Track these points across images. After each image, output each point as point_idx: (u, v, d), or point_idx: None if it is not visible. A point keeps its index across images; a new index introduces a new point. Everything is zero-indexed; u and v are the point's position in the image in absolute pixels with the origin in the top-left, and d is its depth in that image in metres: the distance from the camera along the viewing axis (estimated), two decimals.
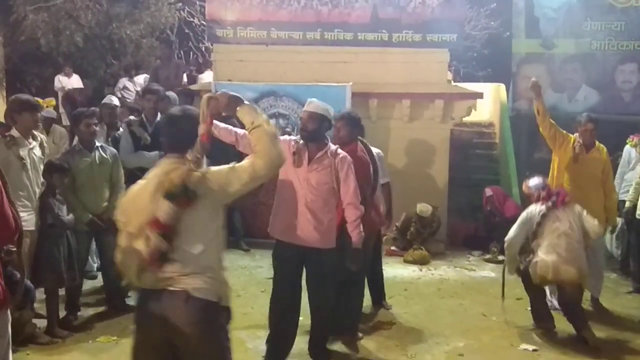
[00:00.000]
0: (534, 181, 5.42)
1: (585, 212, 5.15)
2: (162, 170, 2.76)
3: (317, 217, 4.13)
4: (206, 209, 2.74)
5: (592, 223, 5.12)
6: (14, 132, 4.85)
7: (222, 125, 3.99)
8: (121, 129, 6.23)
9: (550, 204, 5.12)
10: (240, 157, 2.99)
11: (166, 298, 2.69)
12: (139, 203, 2.74)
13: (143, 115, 6.18)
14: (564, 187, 5.63)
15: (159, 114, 6.08)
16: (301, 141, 4.24)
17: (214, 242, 2.79)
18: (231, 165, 2.78)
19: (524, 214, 5.29)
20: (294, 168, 4.16)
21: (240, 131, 3.92)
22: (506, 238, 5.31)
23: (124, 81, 11.03)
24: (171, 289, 2.69)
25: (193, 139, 2.82)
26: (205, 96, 2.98)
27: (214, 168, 2.80)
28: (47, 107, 8.03)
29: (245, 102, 2.92)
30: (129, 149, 5.92)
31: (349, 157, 4.28)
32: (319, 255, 4.15)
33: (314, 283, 4.27)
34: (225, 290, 2.84)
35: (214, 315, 2.75)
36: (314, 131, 4.21)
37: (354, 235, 4.23)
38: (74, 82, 11.60)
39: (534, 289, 5.21)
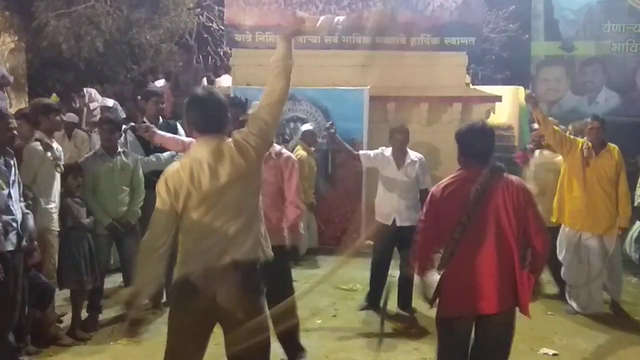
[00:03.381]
0: None
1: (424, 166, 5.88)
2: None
3: (266, 216, 4.15)
4: None
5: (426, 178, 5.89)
6: (40, 134, 4.88)
7: (169, 135, 4.36)
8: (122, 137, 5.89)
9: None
10: None
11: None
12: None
13: (145, 118, 6.08)
14: (573, 195, 5.58)
15: (160, 117, 5.97)
16: None
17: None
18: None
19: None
20: None
21: (187, 139, 4.17)
22: None
23: None
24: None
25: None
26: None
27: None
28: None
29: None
30: (143, 154, 5.77)
31: (293, 156, 4.39)
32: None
33: (267, 281, 4.28)
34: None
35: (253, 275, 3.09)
36: None
37: (294, 234, 4.33)
38: None
39: None
